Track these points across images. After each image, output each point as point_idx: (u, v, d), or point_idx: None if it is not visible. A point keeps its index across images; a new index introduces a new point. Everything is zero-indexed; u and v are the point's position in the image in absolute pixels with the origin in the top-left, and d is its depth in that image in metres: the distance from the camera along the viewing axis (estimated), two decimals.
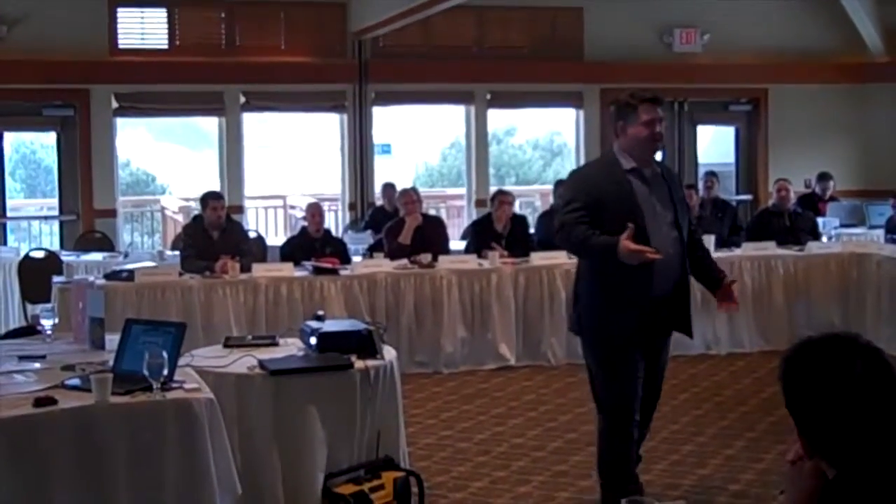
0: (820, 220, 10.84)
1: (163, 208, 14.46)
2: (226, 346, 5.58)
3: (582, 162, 13.53)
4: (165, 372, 4.13)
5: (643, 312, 4.81)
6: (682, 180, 6.48)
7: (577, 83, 13.33)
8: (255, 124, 13.51)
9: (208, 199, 8.80)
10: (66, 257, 10.28)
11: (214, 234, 8.70)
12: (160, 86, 12.02)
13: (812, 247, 9.59)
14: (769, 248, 9.46)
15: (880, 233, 10.60)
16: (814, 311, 9.28)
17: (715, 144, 14.95)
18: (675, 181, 5.08)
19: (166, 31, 12.25)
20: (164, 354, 4.11)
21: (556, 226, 4.91)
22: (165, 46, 12.25)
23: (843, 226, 11.42)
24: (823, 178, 12.45)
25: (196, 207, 9.95)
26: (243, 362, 5.10)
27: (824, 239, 10.28)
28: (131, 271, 8.20)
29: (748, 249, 9.43)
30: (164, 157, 18.32)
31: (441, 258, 8.81)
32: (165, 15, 12.24)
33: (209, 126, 13.38)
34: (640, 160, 4.83)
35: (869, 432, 2.00)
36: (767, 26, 13.56)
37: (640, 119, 4.76)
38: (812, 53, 13.60)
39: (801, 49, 13.57)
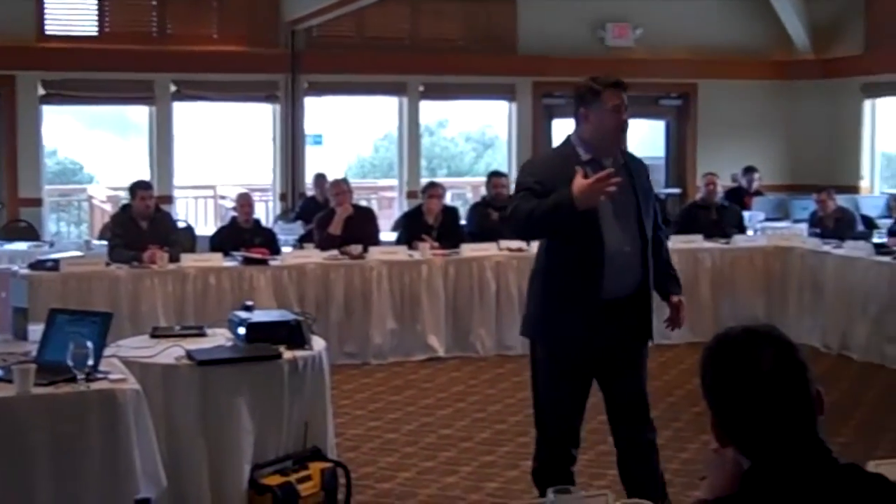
0: (746, 214, 11.01)
1: (90, 197, 14.29)
2: (153, 336, 5.54)
3: (514, 155, 13.61)
4: (90, 362, 4.09)
5: (592, 315, 4.31)
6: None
7: (510, 76, 13.38)
8: (186, 113, 13.38)
9: (137, 188, 8.71)
10: None
11: (143, 224, 8.61)
12: (89, 73, 11.85)
13: (738, 240, 9.76)
14: (696, 242, 9.59)
15: (804, 227, 10.77)
16: (739, 304, 9.43)
17: (645, 138, 15.10)
18: (642, 171, 4.61)
19: (96, 17, 12.07)
20: (90, 345, 4.07)
21: (507, 214, 4.50)
22: (95, 33, 12.07)
23: (768, 220, 11.61)
24: (749, 171, 12.64)
25: (125, 197, 9.84)
26: (170, 353, 5.06)
27: (750, 232, 10.44)
28: (57, 261, 8.09)
29: (676, 242, 9.51)
30: (93, 146, 18.08)
31: (371, 249, 8.81)
32: (95, 0, 12.06)
33: (139, 115, 13.21)
34: (601, 150, 4.40)
35: (778, 425, 2.05)
36: (698, 22, 13.72)
37: (606, 105, 4.34)
38: (741, 50, 13.79)
39: (730, 45, 13.75)
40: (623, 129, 4.42)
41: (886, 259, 8.60)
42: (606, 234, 4.32)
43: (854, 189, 13.29)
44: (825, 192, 10.49)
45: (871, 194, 13.28)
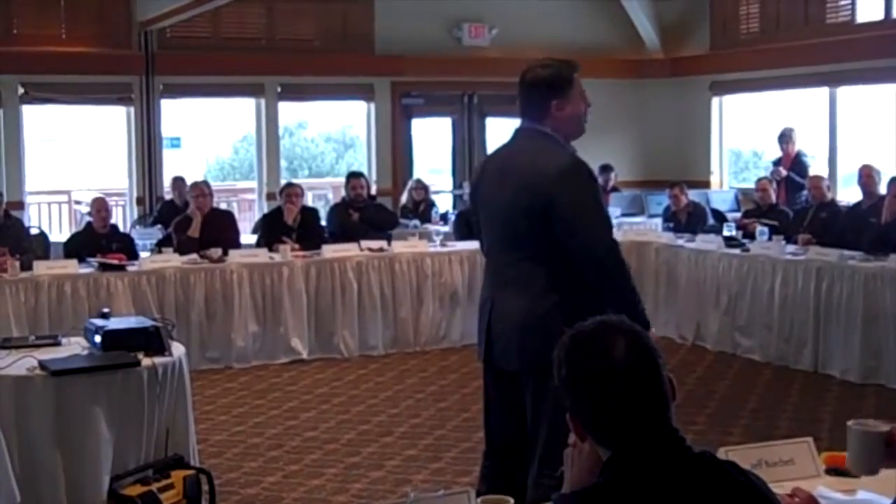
0: None
1: None
2: (3, 347, 5.37)
3: (373, 155, 13.62)
4: None
5: None
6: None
7: (368, 76, 13.38)
8: (37, 116, 13.02)
9: None
10: None
11: None
12: None
13: None
14: None
15: (658, 221, 11.06)
16: None
17: (504, 136, 15.25)
18: None
19: None
20: None
21: (611, 248, 3.81)
22: None
23: (624, 215, 11.86)
24: (605, 169, 12.90)
25: None
26: (23, 363, 4.93)
27: None
28: None
29: None
30: None
31: (231, 252, 8.72)
32: None
33: None
34: (571, 140, 3.96)
35: (633, 412, 2.10)
36: (552, 23, 13.93)
37: (578, 91, 3.93)
38: (594, 49, 14.02)
39: (583, 45, 13.96)
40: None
41: (736, 251, 8.89)
42: None
43: (705, 184, 13.69)
44: (678, 187, 10.79)
45: (720, 189, 13.71)
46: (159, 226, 10.90)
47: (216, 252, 8.64)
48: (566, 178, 3.78)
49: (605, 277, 3.81)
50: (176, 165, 12.98)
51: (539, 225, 3.79)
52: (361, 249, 9.02)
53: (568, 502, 2.09)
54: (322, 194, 15.90)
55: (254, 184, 13.86)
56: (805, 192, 10.47)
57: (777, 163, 11.80)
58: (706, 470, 2.09)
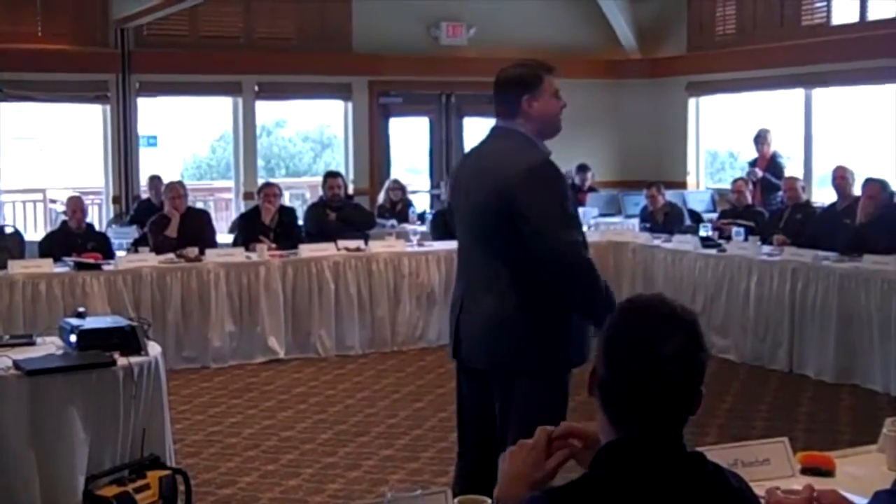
0: (580, 210, 11.25)
1: None
2: None
3: (350, 154, 13.60)
4: None
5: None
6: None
7: (346, 75, 13.36)
8: (12, 114, 12.93)
9: None
10: None
11: None
12: None
13: None
14: None
15: (635, 222, 11.09)
16: None
17: (482, 136, 15.24)
18: None
19: None
20: None
21: (572, 248, 3.83)
22: None
23: (601, 215, 11.90)
24: (582, 169, 12.95)
25: None
26: None
27: (584, 228, 10.67)
28: None
29: None
30: None
31: (208, 251, 8.69)
32: None
33: None
34: (546, 139, 3.97)
35: (653, 410, 2.01)
36: (530, 23, 13.95)
37: (550, 90, 3.94)
38: (571, 49, 14.06)
39: (561, 45, 14.00)
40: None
41: (712, 252, 8.93)
42: None
43: (681, 184, 13.74)
44: (654, 187, 10.83)
45: (696, 189, 13.76)
46: (135, 225, 10.86)
47: (193, 251, 8.61)
48: (532, 178, 3.79)
49: (567, 279, 3.82)
50: (152, 164, 12.92)
51: (506, 225, 3.79)
52: (338, 249, 9.01)
53: (557, 496, 2.01)
54: (299, 194, 15.88)
55: (231, 183, 13.82)
56: (780, 193, 10.52)
57: (753, 164, 11.85)
58: (703, 474, 2.02)
